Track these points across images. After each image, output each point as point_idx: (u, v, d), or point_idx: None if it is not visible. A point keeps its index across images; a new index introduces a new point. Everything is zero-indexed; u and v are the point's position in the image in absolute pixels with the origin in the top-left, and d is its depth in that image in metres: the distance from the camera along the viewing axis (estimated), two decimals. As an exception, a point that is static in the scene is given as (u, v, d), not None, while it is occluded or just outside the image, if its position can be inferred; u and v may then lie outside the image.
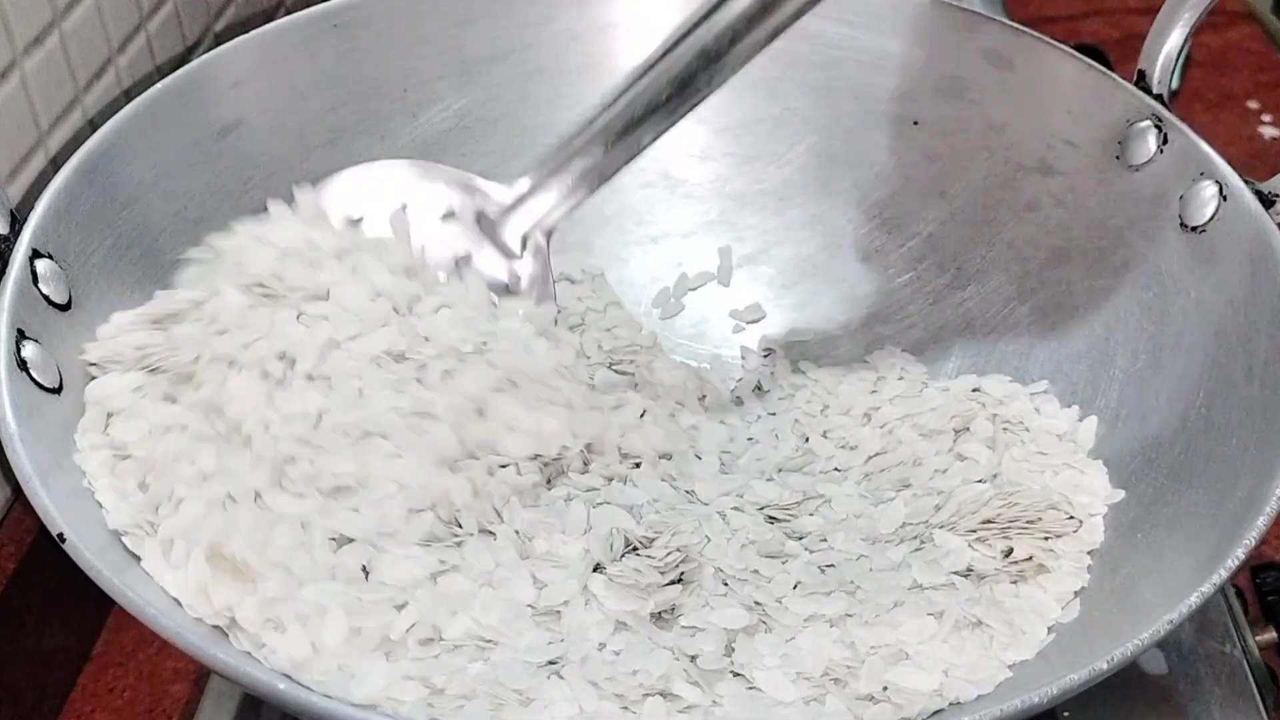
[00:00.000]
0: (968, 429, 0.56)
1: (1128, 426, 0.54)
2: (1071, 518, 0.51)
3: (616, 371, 0.60)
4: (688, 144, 0.67)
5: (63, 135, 0.58)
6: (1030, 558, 0.50)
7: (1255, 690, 0.53)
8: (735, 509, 0.53)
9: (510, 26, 0.65)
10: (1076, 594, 0.49)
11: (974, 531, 0.51)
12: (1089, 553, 0.50)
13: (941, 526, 0.51)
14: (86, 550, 0.41)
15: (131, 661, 0.59)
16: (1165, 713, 0.52)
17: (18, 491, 0.54)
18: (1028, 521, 0.51)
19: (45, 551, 0.55)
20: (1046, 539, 0.50)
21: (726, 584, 0.49)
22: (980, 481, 0.53)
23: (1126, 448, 0.53)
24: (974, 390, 0.58)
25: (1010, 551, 0.50)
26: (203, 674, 0.56)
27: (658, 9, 0.66)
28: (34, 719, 0.56)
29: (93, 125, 0.58)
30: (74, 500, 0.44)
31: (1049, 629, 0.47)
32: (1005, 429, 0.55)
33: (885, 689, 0.45)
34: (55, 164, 0.56)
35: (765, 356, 0.63)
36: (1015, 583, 0.49)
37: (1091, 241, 0.59)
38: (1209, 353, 0.52)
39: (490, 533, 0.49)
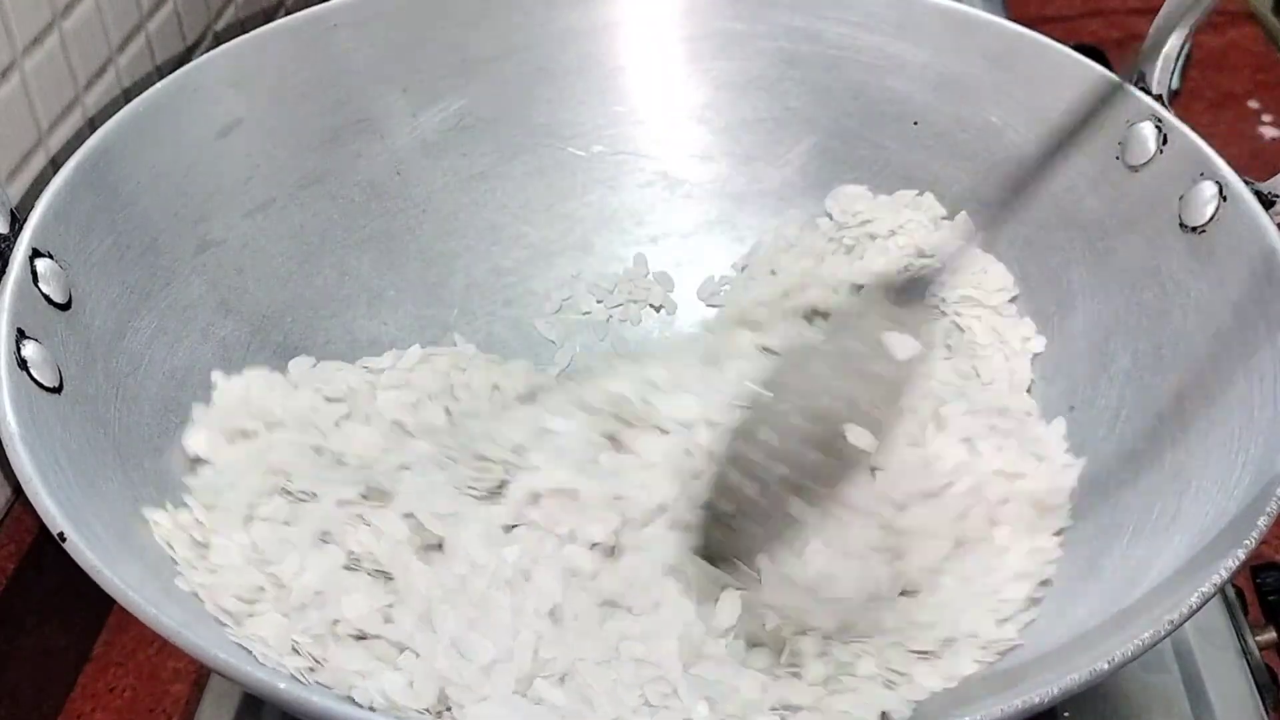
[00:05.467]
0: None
1: (1129, 426, 0.54)
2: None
3: None
4: (688, 144, 0.68)
5: (63, 135, 0.58)
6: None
7: (1255, 690, 0.53)
8: None
9: (510, 26, 0.65)
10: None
11: None
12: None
13: None
14: (87, 550, 0.41)
15: (131, 661, 0.59)
16: (1165, 713, 0.52)
17: (18, 491, 0.54)
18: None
19: (45, 551, 0.55)
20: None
21: None
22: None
23: (1127, 448, 0.53)
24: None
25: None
26: (203, 674, 0.56)
27: (658, 7, 0.66)
28: (34, 718, 0.56)
29: (93, 125, 0.58)
30: (74, 499, 0.44)
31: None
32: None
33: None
34: (55, 164, 0.56)
35: None
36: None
37: (1091, 242, 0.59)
38: (1209, 352, 0.52)
39: None
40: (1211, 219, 0.53)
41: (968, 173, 0.63)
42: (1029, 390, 0.59)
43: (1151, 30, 0.57)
